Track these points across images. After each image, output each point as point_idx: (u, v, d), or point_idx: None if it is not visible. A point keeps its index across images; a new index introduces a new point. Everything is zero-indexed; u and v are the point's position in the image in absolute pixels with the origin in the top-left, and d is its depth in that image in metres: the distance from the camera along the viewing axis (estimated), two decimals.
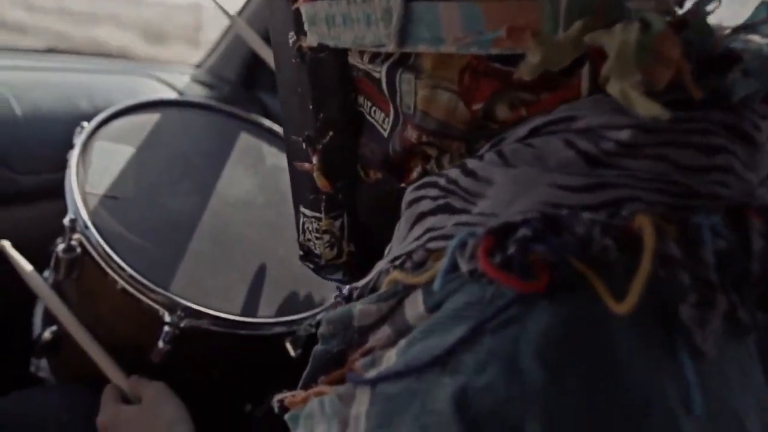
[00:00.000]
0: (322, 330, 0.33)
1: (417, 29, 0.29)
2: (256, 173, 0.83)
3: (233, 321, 0.63)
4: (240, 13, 1.10)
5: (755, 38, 0.30)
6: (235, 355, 0.69)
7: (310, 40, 0.35)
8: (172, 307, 0.61)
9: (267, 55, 0.86)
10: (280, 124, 0.90)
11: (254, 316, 0.65)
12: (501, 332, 0.25)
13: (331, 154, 0.38)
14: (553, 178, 0.27)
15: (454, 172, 0.30)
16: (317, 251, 0.42)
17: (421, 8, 0.29)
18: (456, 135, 0.31)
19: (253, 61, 1.16)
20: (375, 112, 0.36)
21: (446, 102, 0.31)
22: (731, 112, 0.28)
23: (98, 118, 0.74)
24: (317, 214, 0.41)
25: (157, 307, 0.61)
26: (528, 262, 0.25)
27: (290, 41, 0.37)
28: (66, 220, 0.64)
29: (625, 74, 0.25)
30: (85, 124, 0.73)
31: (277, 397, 0.35)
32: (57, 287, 0.71)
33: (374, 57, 0.33)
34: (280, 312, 0.67)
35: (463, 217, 0.29)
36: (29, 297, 0.76)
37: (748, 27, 0.32)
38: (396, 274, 0.30)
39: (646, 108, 0.24)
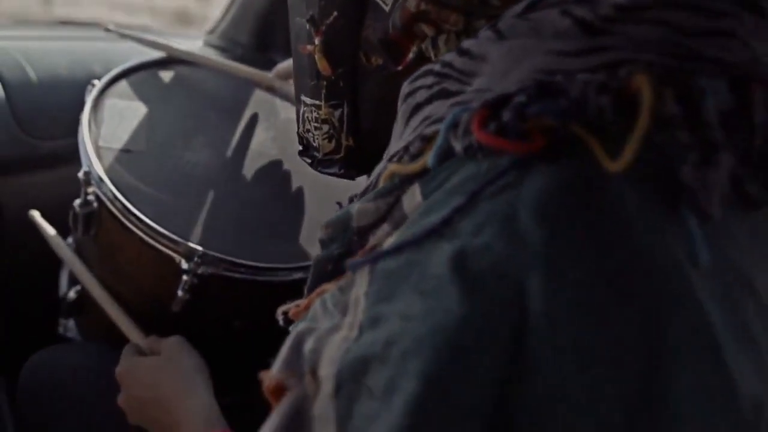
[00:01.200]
0: (320, 235, 0.33)
1: None
2: (270, 126, 0.82)
3: (251, 267, 0.62)
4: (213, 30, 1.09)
5: None
6: (255, 304, 0.68)
7: None
8: (189, 254, 0.61)
9: (260, 77, 0.84)
10: None
11: (272, 262, 0.65)
12: (498, 197, 0.24)
13: (334, 34, 0.37)
14: (548, 45, 0.26)
15: (449, 56, 0.29)
16: (315, 143, 0.41)
17: None
18: (455, 4, 0.29)
19: (265, 23, 1.14)
20: None
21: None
22: None
23: (108, 76, 0.73)
24: (317, 102, 0.40)
25: (174, 255, 0.61)
26: (523, 128, 0.24)
27: None
28: (80, 174, 0.64)
29: None
30: (95, 81, 0.72)
31: (281, 309, 0.34)
32: (78, 247, 0.72)
33: None
34: (298, 259, 0.66)
35: (458, 98, 0.28)
36: (56, 259, 0.77)
37: None
38: (393, 167, 0.29)
39: None
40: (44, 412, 0.66)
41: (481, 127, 0.25)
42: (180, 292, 0.62)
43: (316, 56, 0.38)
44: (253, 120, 0.81)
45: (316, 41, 0.38)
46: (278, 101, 0.87)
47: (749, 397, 0.25)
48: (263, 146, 0.78)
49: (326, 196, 0.72)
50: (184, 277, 0.61)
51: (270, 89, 0.83)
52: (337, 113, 0.39)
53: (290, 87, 0.80)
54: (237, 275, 0.63)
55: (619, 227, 0.24)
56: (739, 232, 0.28)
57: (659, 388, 0.23)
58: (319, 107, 0.40)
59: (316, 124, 0.41)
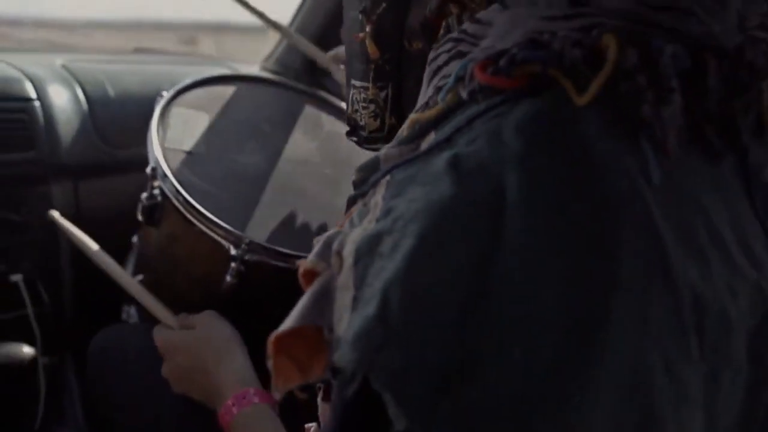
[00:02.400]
0: (353, 177, 0.37)
1: None
2: (315, 137, 0.90)
3: (293, 255, 0.69)
4: (291, 23, 1.19)
5: None
6: (296, 294, 0.75)
7: None
8: (237, 242, 0.68)
9: (321, 58, 0.93)
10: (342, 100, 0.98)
11: None
12: (490, 120, 0.29)
13: (383, 23, 0.43)
14: (540, 12, 0.32)
15: (465, 25, 0.35)
16: (362, 122, 0.47)
17: None
18: None
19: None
20: None
21: None
22: None
23: (176, 88, 0.83)
24: (365, 84, 0.46)
25: (224, 242, 0.68)
26: (514, 72, 0.30)
27: None
28: (148, 169, 0.73)
29: None
30: (164, 93, 0.82)
31: (316, 238, 0.39)
32: (141, 238, 0.81)
33: None
34: None
35: (469, 57, 0.33)
36: (123, 248, 0.86)
37: None
38: (414, 116, 0.35)
39: None
40: (109, 382, 0.73)
41: (482, 71, 0.30)
42: (228, 278, 0.69)
43: (367, 42, 0.44)
44: (300, 130, 0.90)
45: (368, 29, 0.44)
46: (324, 115, 0.95)
47: (689, 285, 0.29)
48: (308, 153, 0.86)
49: None
50: (232, 264, 0.68)
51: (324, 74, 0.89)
52: (383, 94, 0.45)
53: (341, 72, 0.87)
54: (280, 263, 0.69)
55: (582, 143, 0.29)
56: (702, 178, 0.32)
57: (606, 266, 0.27)
58: (366, 88, 0.46)
59: (363, 104, 0.46)
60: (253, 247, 0.68)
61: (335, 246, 0.31)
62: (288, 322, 0.32)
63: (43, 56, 1.08)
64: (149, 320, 0.84)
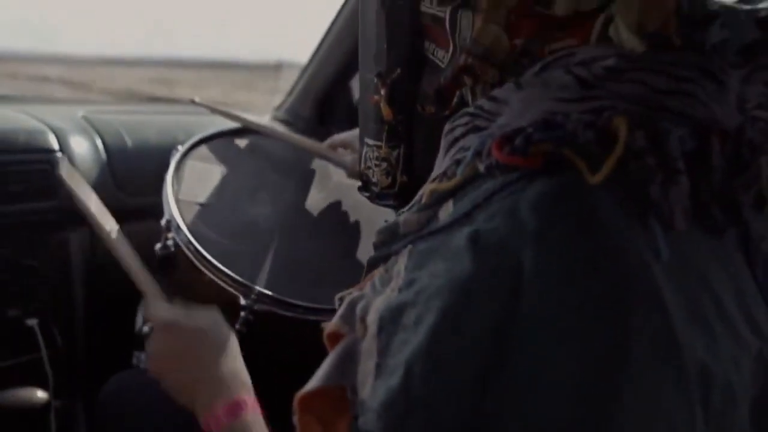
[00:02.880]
0: (374, 240, 0.40)
1: None
2: (323, 188, 0.93)
3: (301, 306, 0.71)
4: (308, 64, 1.25)
5: (738, 5, 0.37)
6: (304, 343, 0.77)
7: None
8: (247, 292, 0.71)
9: (307, 144, 0.95)
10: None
11: (321, 304, 0.73)
12: (507, 197, 0.31)
13: (397, 87, 0.45)
14: (553, 94, 0.34)
15: (480, 101, 0.38)
16: (374, 179, 0.49)
17: None
18: (495, 62, 0.38)
19: (323, 101, 1.30)
20: (437, 51, 0.42)
21: (494, 33, 0.37)
22: (704, 56, 0.34)
23: (190, 142, 0.87)
24: (378, 143, 0.47)
25: (234, 292, 0.71)
26: (529, 151, 0.31)
27: None
28: (162, 221, 0.76)
29: (627, 13, 0.33)
30: (179, 147, 0.86)
31: (338, 296, 0.40)
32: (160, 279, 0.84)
33: (441, 1, 0.40)
34: None
35: (485, 132, 0.35)
36: (136, 293, 0.89)
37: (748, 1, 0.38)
38: (432, 186, 0.37)
39: (630, 41, 0.32)
40: (119, 428, 0.75)
41: (499, 149, 0.32)
42: (237, 326, 0.71)
43: (381, 104, 0.46)
44: (309, 182, 0.93)
45: (382, 92, 0.46)
46: (332, 167, 0.99)
47: (695, 359, 0.30)
48: (317, 204, 0.90)
49: (371, 247, 0.81)
50: (242, 313, 0.71)
51: (322, 156, 0.95)
52: (395, 153, 0.46)
53: (338, 155, 0.91)
54: (288, 314, 0.72)
55: (594, 221, 0.30)
56: (707, 251, 0.34)
57: (617, 343, 0.28)
58: (380, 147, 0.47)
59: (376, 162, 0.48)
60: (261, 297, 0.71)
61: (359, 311, 0.34)
62: (313, 382, 0.35)
63: (65, 107, 1.13)
64: None
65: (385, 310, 0.32)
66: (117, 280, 0.92)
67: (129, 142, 1.04)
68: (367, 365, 0.32)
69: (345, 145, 0.90)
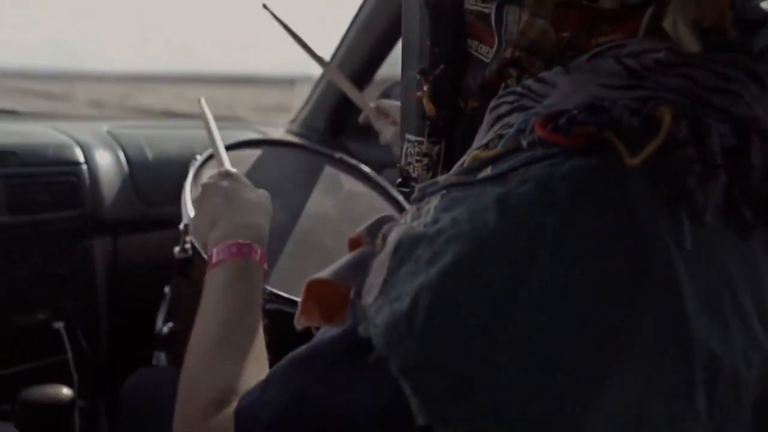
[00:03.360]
0: (414, 196, 0.40)
1: None
2: (334, 196, 0.97)
3: None
4: (331, 59, 1.29)
5: None
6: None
7: None
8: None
9: (357, 97, 0.99)
10: (365, 163, 1.05)
11: None
12: (544, 167, 0.32)
13: (440, 83, 0.46)
14: (601, 80, 0.35)
15: (529, 82, 0.38)
16: (415, 174, 0.49)
17: None
18: (541, 55, 0.39)
19: (339, 113, 1.34)
20: (481, 48, 0.43)
21: (541, 27, 0.38)
22: (751, 58, 0.35)
23: (207, 152, 0.92)
24: (420, 138, 0.48)
25: None
26: (572, 131, 0.32)
27: None
28: (181, 226, 0.81)
29: (683, 9, 0.34)
30: (198, 156, 0.91)
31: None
32: (175, 285, 0.88)
33: None
34: None
35: (531, 111, 0.36)
36: (156, 297, 0.93)
37: None
38: (475, 152, 0.38)
39: (687, 38, 0.33)
40: (139, 423, 0.78)
41: (542, 127, 0.32)
42: None
43: (424, 100, 0.46)
44: (321, 190, 0.97)
45: (425, 88, 0.46)
46: (342, 175, 1.03)
47: (705, 346, 0.31)
48: (327, 211, 0.93)
49: None
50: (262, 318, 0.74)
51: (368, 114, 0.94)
52: (436, 148, 0.47)
53: (380, 121, 0.91)
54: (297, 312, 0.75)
55: (624, 202, 0.31)
56: (732, 249, 0.34)
57: (623, 317, 0.30)
58: (421, 143, 0.48)
59: (417, 158, 0.48)
60: (272, 297, 0.74)
61: (384, 229, 0.36)
62: (325, 273, 0.37)
63: (91, 123, 1.19)
64: (177, 365, 0.90)
65: (405, 236, 0.33)
66: (138, 285, 0.97)
67: (150, 155, 1.09)
68: (375, 278, 0.33)
69: (386, 113, 0.89)
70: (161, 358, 0.92)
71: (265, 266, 0.61)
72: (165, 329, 0.90)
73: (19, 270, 0.95)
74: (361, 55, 1.24)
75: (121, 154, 1.08)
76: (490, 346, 0.29)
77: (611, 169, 0.32)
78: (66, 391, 0.85)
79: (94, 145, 1.06)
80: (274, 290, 0.75)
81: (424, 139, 0.48)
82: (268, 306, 0.74)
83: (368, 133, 1.01)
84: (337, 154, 1.07)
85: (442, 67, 0.46)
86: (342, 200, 0.97)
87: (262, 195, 0.69)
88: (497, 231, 0.31)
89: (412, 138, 0.50)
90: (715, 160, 0.32)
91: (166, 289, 0.96)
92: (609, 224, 0.31)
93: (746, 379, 0.33)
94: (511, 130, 0.35)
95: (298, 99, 1.42)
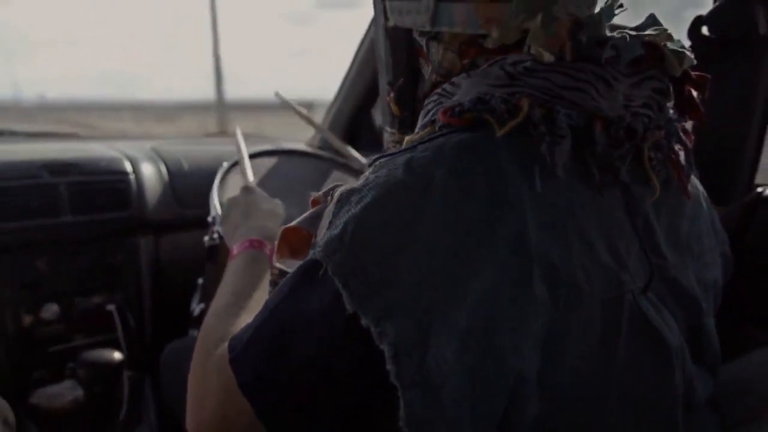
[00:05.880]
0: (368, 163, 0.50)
1: (441, 18, 0.51)
2: None
3: None
4: (337, 93, 1.47)
5: (631, 32, 0.50)
6: None
7: (390, 23, 0.57)
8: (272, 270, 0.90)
9: (348, 152, 1.20)
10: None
11: None
12: (441, 139, 0.44)
13: (402, 91, 0.60)
14: (489, 81, 0.47)
15: (445, 85, 0.51)
16: None
17: (444, 7, 0.50)
18: (453, 76, 0.53)
19: (351, 128, 1.51)
20: (424, 66, 0.56)
21: (451, 58, 0.52)
22: (600, 66, 0.47)
23: (233, 161, 1.09)
24: (393, 130, 0.64)
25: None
26: (463, 115, 0.45)
27: (381, 24, 0.62)
28: (209, 218, 0.98)
29: (536, 42, 0.46)
30: (224, 163, 1.08)
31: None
32: (206, 271, 1.04)
33: (421, 33, 0.54)
34: None
35: (441, 105, 0.49)
36: (191, 287, 1.10)
37: (637, 29, 0.52)
38: (408, 137, 0.51)
39: (541, 55, 0.46)
40: (178, 386, 0.92)
41: (444, 114, 0.45)
42: None
43: (391, 104, 0.61)
44: (327, 192, 1.13)
45: (391, 95, 0.61)
46: (348, 178, 1.19)
47: (543, 255, 0.41)
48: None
49: None
50: (269, 288, 0.90)
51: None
52: (405, 137, 0.55)
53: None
54: None
55: (494, 161, 0.42)
56: (583, 199, 0.45)
57: (480, 232, 0.40)
58: (394, 133, 0.61)
59: (393, 144, 0.62)
60: (281, 273, 0.90)
61: (334, 192, 0.50)
62: (294, 222, 0.51)
63: (138, 142, 1.39)
64: None
65: (344, 190, 0.45)
66: (175, 275, 1.14)
67: (186, 166, 1.28)
68: (324, 222, 0.46)
69: None
70: (194, 334, 1.09)
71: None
72: (197, 310, 1.07)
73: (80, 261, 1.14)
74: (363, 86, 1.42)
75: (162, 166, 1.27)
76: (394, 255, 0.40)
77: (485, 139, 0.43)
78: (117, 355, 1.03)
79: (140, 159, 1.25)
80: (283, 267, 0.90)
81: (395, 131, 0.63)
82: (277, 280, 0.90)
83: (378, 147, 1.18)
84: (343, 160, 1.23)
85: (401, 80, 0.61)
86: None
87: (276, 204, 0.85)
88: (402, 181, 0.42)
89: (389, 130, 0.65)
90: (561, 133, 0.44)
91: (200, 280, 1.13)
92: (478, 173, 0.42)
93: (585, 285, 0.43)
94: (427, 119, 0.50)
95: (317, 119, 1.60)
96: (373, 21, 0.68)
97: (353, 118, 1.50)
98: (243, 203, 0.82)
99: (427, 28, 0.52)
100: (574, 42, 0.47)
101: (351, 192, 0.44)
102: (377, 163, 0.47)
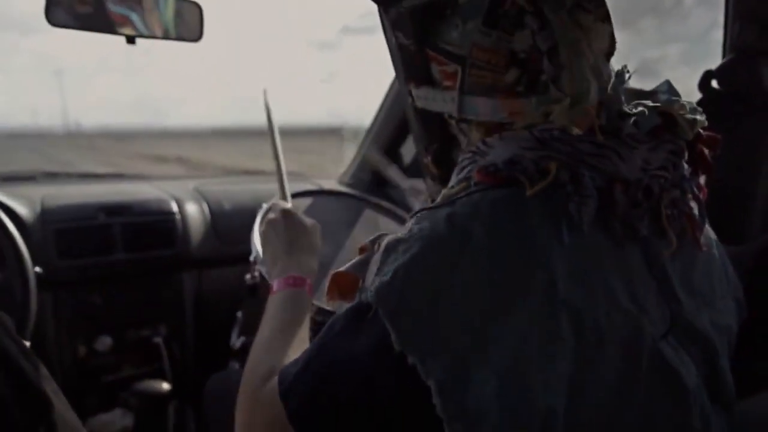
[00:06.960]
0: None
1: (467, 110, 0.56)
2: (371, 233, 1.19)
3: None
4: (367, 133, 1.54)
5: (648, 103, 0.54)
6: None
7: (418, 105, 0.62)
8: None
9: (395, 174, 1.27)
10: (401, 208, 1.28)
11: None
12: (477, 195, 0.49)
13: (438, 155, 0.69)
14: (520, 144, 0.52)
15: (479, 144, 0.56)
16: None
17: (469, 100, 0.55)
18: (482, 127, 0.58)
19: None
20: (457, 134, 0.61)
21: (482, 133, 0.56)
22: (620, 139, 0.51)
23: (272, 201, 1.16)
24: (432, 183, 0.73)
25: None
26: (497, 175, 0.50)
27: (410, 104, 0.68)
28: (251, 257, 1.05)
29: (562, 120, 0.51)
30: (264, 204, 1.16)
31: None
32: (246, 307, 1.11)
33: (450, 116, 0.59)
34: None
35: (476, 164, 0.54)
36: (230, 319, 1.17)
37: (653, 93, 0.58)
38: (444, 192, 0.55)
39: (571, 129, 0.50)
40: (220, 417, 0.95)
41: (479, 173, 0.50)
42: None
43: (429, 165, 0.70)
44: (360, 228, 1.19)
45: (428, 158, 0.70)
46: (380, 217, 1.25)
47: (571, 305, 0.45)
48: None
49: None
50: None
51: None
52: (443, 191, 0.59)
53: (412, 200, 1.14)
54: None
55: (525, 217, 0.47)
56: (606, 252, 0.49)
57: (513, 286, 0.45)
58: (431, 185, 0.72)
59: (433, 195, 0.71)
60: (320, 311, 0.96)
61: (380, 241, 0.54)
62: (344, 267, 0.56)
63: (181, 182, 1.49)
64: None
65: (391, 240, 0.49)
66: (217, 309, 1.22)
67: (227, 206, 1.36)
68: (372, 268, 0.50)
69: (420, 190, 1.12)
70: (235, 366, 1.15)
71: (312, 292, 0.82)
72: (238, 343, 1.13)
73: (130, 296, 1.22)
74: (393, 126, 1.49)
75: (205, 206, 1.36)
76: (438, 300, 0.45)
77: (518, 197, 0.48)
78: (165, 385, 1.09)
79: (185, 199, 1.34)
80: (320, 304, 0.96)
81: (434, 183, 0.72)
82: (315, 317, 0.96)
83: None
84: (375, 200, 1.30)
85: (436, 145, 0.69)
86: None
87: (313, 228, 0.85)
88: (445, 234, 0.47)
89: (429, 182, 0.75)
90: (587, 193, 0.49)
91: (239, 314, 1.19)
92: (511, 229, 0.47)
93: (606, 326, 0.47)
94: (462, 175, 0.56)
95: (346, 142, 1.68)
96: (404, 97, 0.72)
97: (387, 149, 1.57)
98: (282, 231, 0.82)
99: (455, 116, 0.57)
100: (599, 118, 0.52)
101: (398, 242, 0.48)
102: (419, 215, 0.52)
